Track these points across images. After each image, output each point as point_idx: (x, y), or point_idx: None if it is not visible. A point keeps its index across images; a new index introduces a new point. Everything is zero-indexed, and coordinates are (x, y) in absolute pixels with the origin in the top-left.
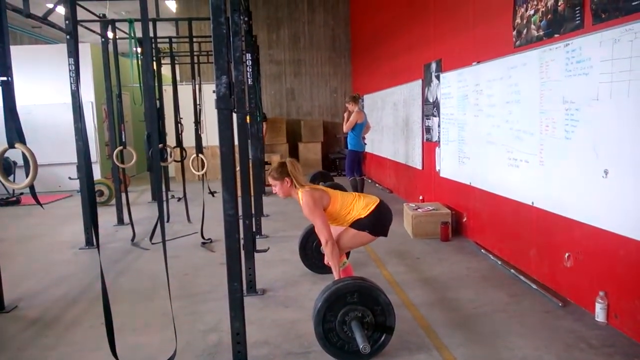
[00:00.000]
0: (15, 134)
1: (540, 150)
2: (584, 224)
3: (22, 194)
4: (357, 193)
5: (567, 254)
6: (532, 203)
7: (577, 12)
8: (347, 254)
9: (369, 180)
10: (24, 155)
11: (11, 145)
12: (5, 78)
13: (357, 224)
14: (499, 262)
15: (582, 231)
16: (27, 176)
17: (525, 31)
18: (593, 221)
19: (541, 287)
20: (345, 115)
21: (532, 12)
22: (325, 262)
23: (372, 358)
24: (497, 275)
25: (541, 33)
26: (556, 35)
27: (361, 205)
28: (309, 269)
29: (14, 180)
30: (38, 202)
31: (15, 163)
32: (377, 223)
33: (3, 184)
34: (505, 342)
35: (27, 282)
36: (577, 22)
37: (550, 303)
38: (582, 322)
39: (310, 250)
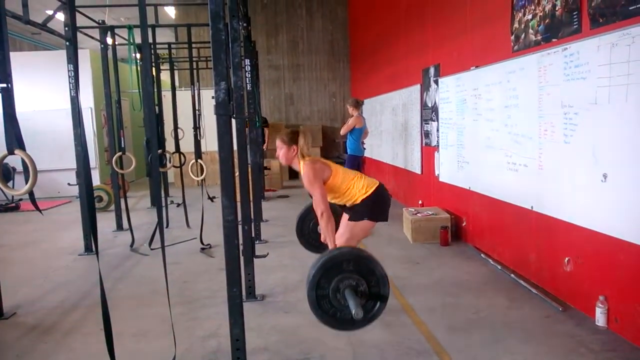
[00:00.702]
0: (15, 140)
1: (539, 155)
2: (583, 228)
3: (21, 200)
4: (359, 173)
5: (566, 259)
6: (532, 207)
7: (575, 16)
8: None
9: None
10: (23, 161)
11: (11, 152)
12: (5, 85)
13: (355, 213)
14: (499, 267)
15: (581, 235)
16: (26, 182)
17: (523, 36)
18: (592, 225)
19: (541, 291)
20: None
21: (530, 16)
22: (322, 239)
23: (364, 327)
24: (497, 280)
25: (539, 38)
26: (554, 40)
27: (361, 185)
28: (306, 248)
29: (13, 187)
30: (37, 209)
31: (14, 169)
32: (376, 207)
33: (2, 190)
34: (506, 347)
35: (26, 289)
36: (575, 26)
37: (550, 307)
38: (582, 326)
39: (307, 230)
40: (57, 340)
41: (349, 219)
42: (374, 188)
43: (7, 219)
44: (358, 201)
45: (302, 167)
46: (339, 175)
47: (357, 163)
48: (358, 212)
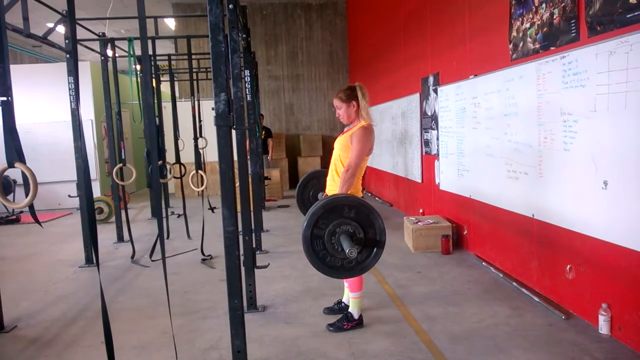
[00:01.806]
0: (15, 153)
1: (539, 162)
2: (584, 236)
3: (21, 212)
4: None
5: (568, 266)
6: (533, 215)
7: (573, 25)
8: None
9: (369, 194)
10: (23, 174)
11: (11, 165)
12: (5, 98)
13: None
14: (501, 275)
15: (583, 243)
16: (26, 195)
17: (521, 44)
18: (594, 233)
19: (543, 299)
20: None
21: (528, 25)
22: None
23: (351, 273)
24: (498, 288)
25: (537, 46)
26: (552, 48)
27: (359, 187)
28: (304, 214)
29: (13, 199)
30: (37, 222)
31: (14, 181)
32: None
33: (3, 203)
34: (508, 356)
35: (27, 301)
36: (573, 34)
37: (552, 316)
38: (585, 334)
39: (307, 197)
40: (58, 353)
41: None
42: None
43: (8, 231)
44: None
45: (359, 126)
46: (366, 160)
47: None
48: None
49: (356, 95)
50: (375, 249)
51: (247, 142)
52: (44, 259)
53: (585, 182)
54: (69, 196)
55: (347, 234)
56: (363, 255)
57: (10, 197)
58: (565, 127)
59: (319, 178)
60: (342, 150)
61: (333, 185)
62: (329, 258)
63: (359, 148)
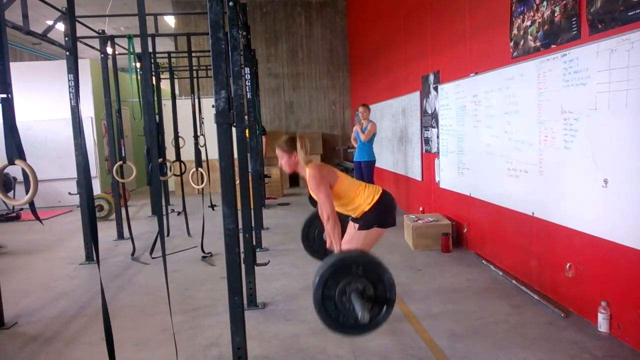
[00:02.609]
0: (15, 150)
1: (539, 161)
2: (584, 234)
3: (22, 209)
4: (363, 182)
5: (568, 264)
6: (533, 213)
7: (574, 22)
8: None
9: None
10: (24, 171)
11: (11, 162)
12: (5, 95)
13: (363, 221)
14: (500, 273)
15: (582, 241)
16: (27, 192)
17: (522, 42)
18: (593, 231)
19: (543, 297)
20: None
21: (528, 23)
22: (328, 245)
23: (365, 333)
24: (498, 287)
25: (538, 44)
26: (553, 46)
27: (366, 195)
28: (310, 254)
29: (14, 196)
30: (38, 219)
31: (15, 179)
32: (383, 213)
33: (3, 200)
34: (508, 354)
35: (27, 298)
36: (574, 32)
37: (552, 314)
38: (584, 332)
39: (313, 237)
40: (59, 350)
41: (359, 228)
42: (379, 195)
43: (8, 228)
44: (366, 209)
45: (307, 171)
46: (344, 182)
47: (373, 169)
48: (367, 220)
49: (296, 147)
50: (385, 307)
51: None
52: (45, 256)
53: (586, 180)
54: (69, 193)
55: (357, 292)
56: (375, 311)
57: (10, 194)
58: (566, 125)
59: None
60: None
61: (352, 210)
62: (342, 318)
63: (321, 189)
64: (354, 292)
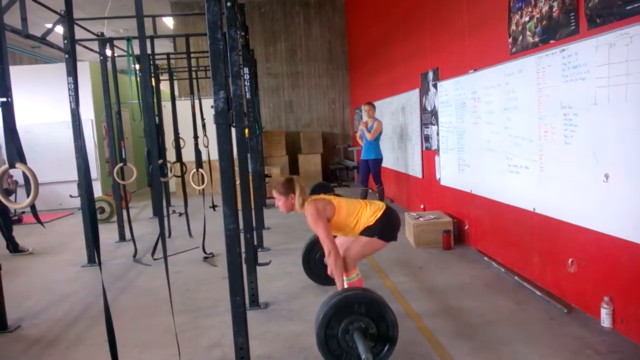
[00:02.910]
0: (16, 154)
1: (540, 156)
2: (586, 229)
3: (23, 213)
4: (364, 201)
5: (570, 260)
6: (534, 209)
7: (572, 17)
8: None
9: (370, 190)
10: (24, 174)
11: (12, 166)
12: (5, 99)
13: (367, 231)
14: (502, 270)
15: (584, 236)
16: (28, 195)
17: (520, 38)
18: (595, 226)
19: (545, 293)
20: (361, 125)
21: (527, 18)
22: (329, 272)
23: None
24: (500, 283)
25: (537, 39)
26: (552, 41)
27: (368, 214)
28: (313, 280)
29: (15, 200)
30: (39, 221)
31: (16, 182)
32: (386, 229)
33: (5, 204)
34: (511, 350)
35: (30, 301)
36: (572, 27)
37: (555, 309)
38: (587, 328)
39: (313, 261)
40: (62, 352)
41: (360, 234)
42: (382, 212)
43: None
44: (369, 224)
45: (305, 209)
46: (343, 210)
47: (380, 166)
48: (370, 230)
49: (293, 189)
50: (388, 345)
51: None
52: (47, 259)
53: (586, 175)
54: (70, 196)
55: (360, 331)
56: (377, 349)
57: (11, 198)
58: (566, 120)
59: None
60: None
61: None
62: (344, 356)
63: (322, 231)
64: (356, 332)
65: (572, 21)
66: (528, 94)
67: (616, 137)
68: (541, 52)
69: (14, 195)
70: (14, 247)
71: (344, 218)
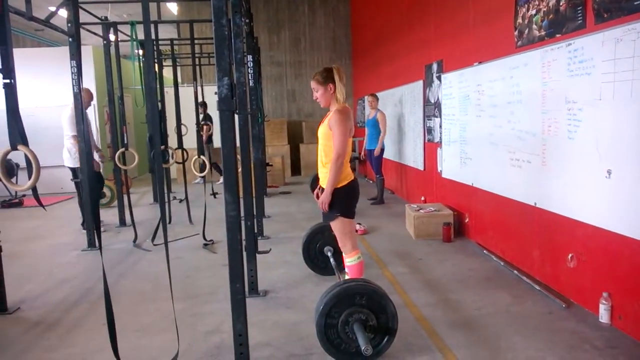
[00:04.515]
0: (18, 136)
1: (542, 151)
2: (587, 225)
3: (24, 195)
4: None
5: (570, 255)
6: (535, 204)
7: (579, 11)
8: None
9: (370, 182)
10: (26, 157)
11: (14, 148)
12: (8, 80)
13: (328, 210)
14: (502, 263)
15: (585, 232)
16: (29, 178)
17: (526, 31)
18: (596, 222)
19: (544, 288)
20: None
21: (533, 12)
22: (315, 192)
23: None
24: (499, 276)
25: (543, 33)
26: (558, 35)
27: (347, 171)
28: (312, 270)
29: (16, 182)
30: (40, 204)
31: (17, 165)
32: (347, 201)
33: (6, 186)
34: (508, 344)
35: (30, 284)
36: (579, 21)
37: (553, 304)
38: (585, 323)
39: (314, 251)
40: (61, 335)
41: (324, 221)
42: (351, 178)
43: (11, 214)
44: (340, 184)
45: (334, 110)
46: (349, 143)
47: (382, 155)
48: (330, 207)
49: (333, 78)
50: (387, 336)
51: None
52: (47, 242)
53: (589, 170)
54: (72, 180)
55: (360, 323)
56: (376, 340)
57: (13, 180)
58: (570, 115)
59: (322, 232)
60: (325, 139)
61: (325, 175)
62: (343, 345)
63: (340, 132)
64: (356, 323)
65: (579, 15)
66: (532, 87)
67: (620, 134)
68: (547, 46)
69: (15, 178)
70: None
71: (347, 151)
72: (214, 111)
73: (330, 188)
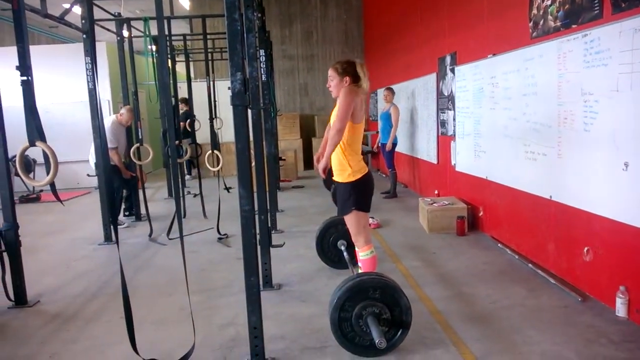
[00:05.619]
0: (36, 132)
1: (558, 143)
2: (603, 218)
3: (41, 191)
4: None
5: (586, 248)
6: (550, 197)
7: (596, 1)
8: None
9: (384, 176)
10: (44, 153)
11: (32, 144)
12: (25, 77)
13: (342, 203)
14: (516, 257)
15: (601, 225)
16: (47, 174)
17: (542, 22)
18: (613, 215)
19: (560, 281)
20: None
21: (549, 2)
22: (317, 157)
23: (381, 356)
24: (514, 270)
25: (558, 24)
26: (574, 26)
27: (361, 164)
28: (326, 263)
29: (34, 178)
30: (58, 199)
31: (35, 161)
32: (362, 194)
33: (23, 182)
34: (523, 337)
35: (49, 277)
36: (596, 11)
37: (569, 298)
38: (602, 317)
39: (327, 245)
40: (80, 327)
41: (339, 214)
42: (366, 171)
43: (29, 209)
44: (352, 179)
45: (346, 87)
46: (361, 131)
47: (394, 149)
48: (344, 200)
49: (349, 73)
50: (401, 330)
51: None
52: (65, 236)
53: (606, 163)
54: (88, 175)
55: (374, 316)
56: (390, 334)
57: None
58: (586, 107)
59: (336, 226)
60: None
61: (334, 159)
62: (357, 339)
63: (342, 104)
64: (370, 316)
65: (595, 5)
66: (548, 79)
67: (638, 125)
68: (563, 37)
69: (32, 173)
70: None
71: (356, 138)
72: (227, 106)
73: (327, 157)
